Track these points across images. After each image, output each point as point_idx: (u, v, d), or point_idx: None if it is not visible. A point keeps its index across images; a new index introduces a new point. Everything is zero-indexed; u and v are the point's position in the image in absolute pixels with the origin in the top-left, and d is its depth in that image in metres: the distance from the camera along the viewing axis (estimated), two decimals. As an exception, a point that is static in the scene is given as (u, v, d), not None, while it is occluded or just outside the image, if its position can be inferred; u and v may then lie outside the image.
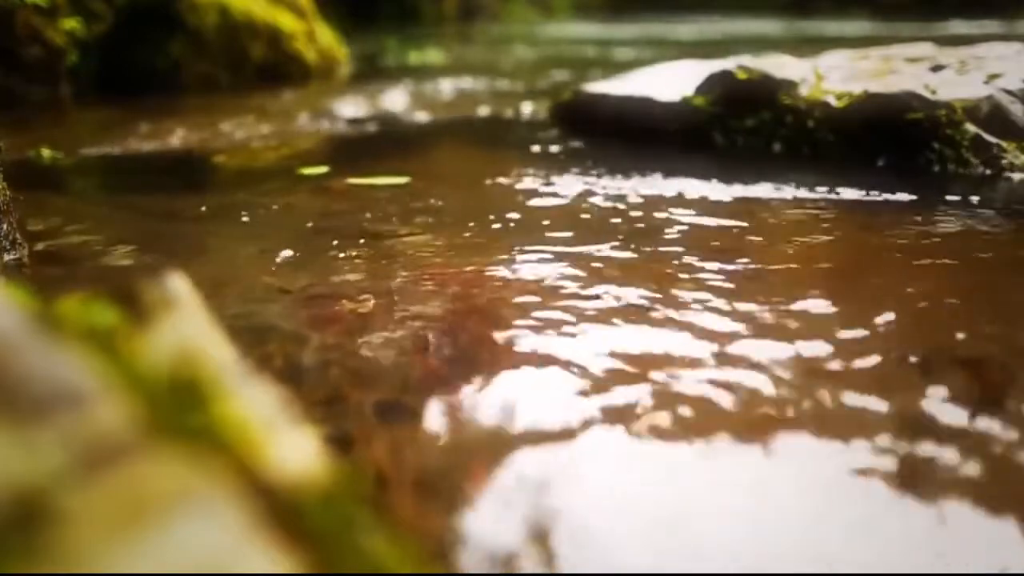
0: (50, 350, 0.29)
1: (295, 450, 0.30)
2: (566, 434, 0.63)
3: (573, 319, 0.85)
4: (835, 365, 0.74)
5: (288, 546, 0.26)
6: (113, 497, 0.25)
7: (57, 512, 0.24)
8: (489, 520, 0.52)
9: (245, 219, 1.31)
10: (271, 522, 0.26)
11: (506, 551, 0.49)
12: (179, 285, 0.36)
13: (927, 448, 0.60)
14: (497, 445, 0.61)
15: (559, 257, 1.05)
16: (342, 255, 1.09)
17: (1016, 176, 1.43)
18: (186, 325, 0.34)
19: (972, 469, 0.58)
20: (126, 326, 0.33)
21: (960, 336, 0.79)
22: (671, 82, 1.86)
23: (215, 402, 0.31)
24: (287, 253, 1.10)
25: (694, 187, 1.43)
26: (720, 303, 0.90)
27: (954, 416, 0.65)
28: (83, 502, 0.24)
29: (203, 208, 1.37)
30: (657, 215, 1.27)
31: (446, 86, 3.19)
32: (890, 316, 0.84)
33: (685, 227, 1.20)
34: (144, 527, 0.24)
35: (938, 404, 0.66)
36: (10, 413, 0.26)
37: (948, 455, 0.60)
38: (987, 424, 0.63)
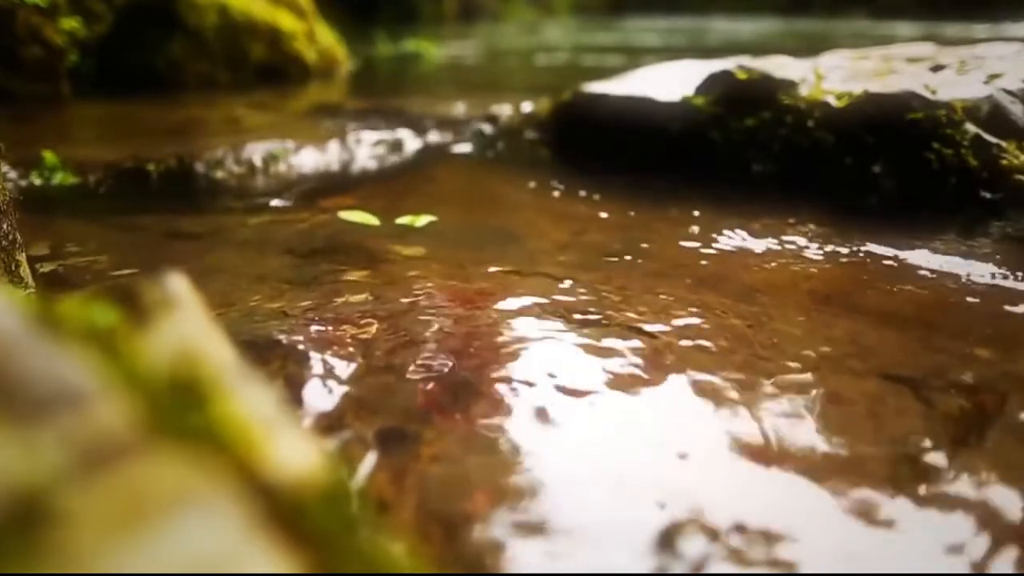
0: (50, 350, 0.29)
1: (295, 450, 0.30)
2: (571, 457, 0.62)
3: (579, 345, 0.84)
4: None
5: (288, 546, 0.25)
6: (113, 497, 0.25)
7: (57, 512, 0.24)
8: (489, 548, 0.52)
9: (247, 238, 1.29)
10: (271, 522, 0.26)
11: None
12: (179, 285, 0.36)
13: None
14: (500, 473, 0.60)
15: (563, 280, 1.04)
16: (345, 277, 1.07)
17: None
18: (186, 325, 0.34)
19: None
20: (126, 326, 0.33)
21: None
22: (671, 82, 1.86)
23: (215, 402, 0.31)
24: (289, 274, 1.09)
25: (697, 209, 1.43)
26: (710, 326, 0.90)
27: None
28: (83, 502, 0.24)
29: (204, 226, 1.36)
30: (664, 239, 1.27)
31: (444, 85, 3.19)
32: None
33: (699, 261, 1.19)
34: (144, 527, 0.24)
35: None
36: (10, 413, 0.26)
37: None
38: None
